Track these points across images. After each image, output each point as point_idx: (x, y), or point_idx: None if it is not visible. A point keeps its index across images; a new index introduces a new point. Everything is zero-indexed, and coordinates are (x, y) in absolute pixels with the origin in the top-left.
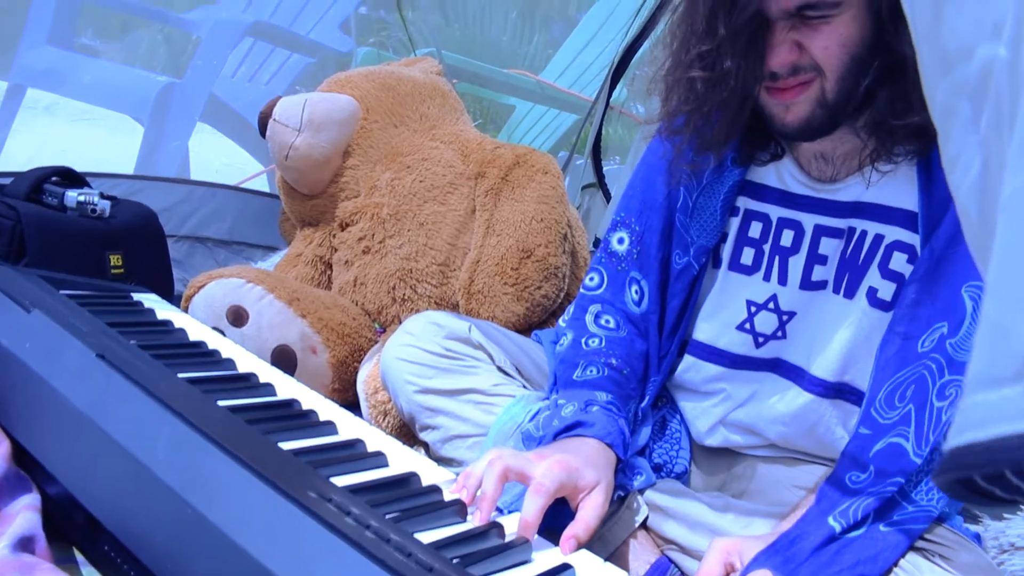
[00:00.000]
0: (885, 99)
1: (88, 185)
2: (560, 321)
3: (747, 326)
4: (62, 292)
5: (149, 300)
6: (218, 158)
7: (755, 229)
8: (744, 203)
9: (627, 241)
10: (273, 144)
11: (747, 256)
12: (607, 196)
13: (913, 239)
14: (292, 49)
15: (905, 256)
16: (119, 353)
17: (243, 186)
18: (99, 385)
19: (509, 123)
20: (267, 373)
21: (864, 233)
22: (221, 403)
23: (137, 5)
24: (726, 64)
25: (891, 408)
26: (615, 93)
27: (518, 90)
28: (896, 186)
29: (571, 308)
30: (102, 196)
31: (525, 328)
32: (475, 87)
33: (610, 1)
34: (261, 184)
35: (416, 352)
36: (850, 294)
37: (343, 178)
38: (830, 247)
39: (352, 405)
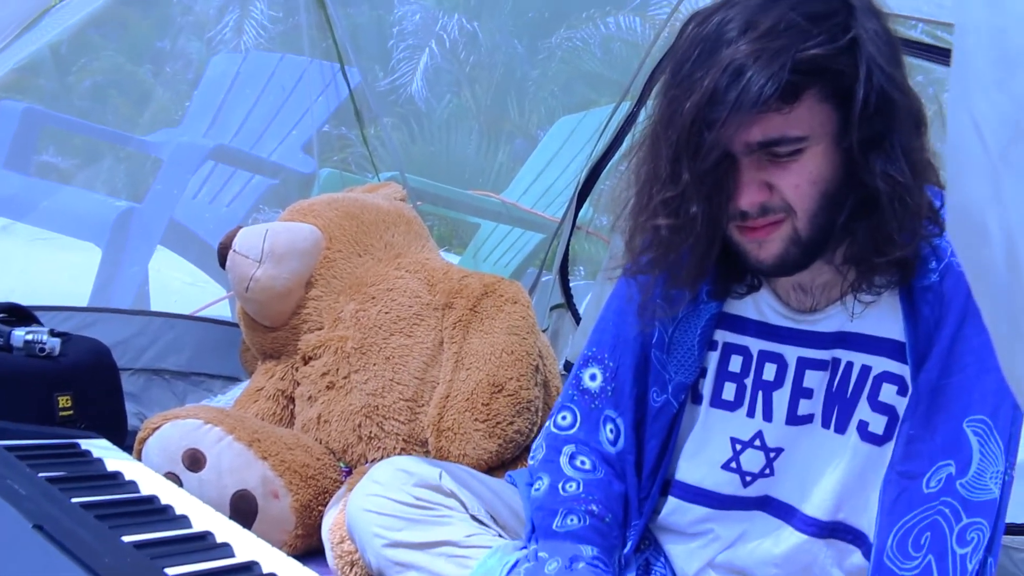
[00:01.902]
0: (865, 234)
1: (37, 321)
2: (529, 460)
3: (733, 465)
4: (1, 444)
5: (98, 448)
6: (179, 278)
7: (735, 363)
8: (723, 336)
9: (600, 377)
10: (233, 276)
11: (729, 391)
12: (576, 317)
13: (902, 370)
14: (254, 171)
15: (895, 388)
16: (59, 521)
17: (203, 314)
18: (36, 562)
19: (475, 241)
20: (225, 530)
21: (850, 364)
22: (170, 572)
23: (98, 129)
24: (692, 210)
25: (907, 558)
26: (581, 212)
27: (482, 211)
28: (879, 315)
29: (541, 448)
30: (52, 333)
31: (498, 465)
32: (440, 208)
33: (570, 120)
34: (222, 310)
35: (384, 503)
36: (840, 429)
37: (306, 310)
38: (815, 380)
39: (317, 552)
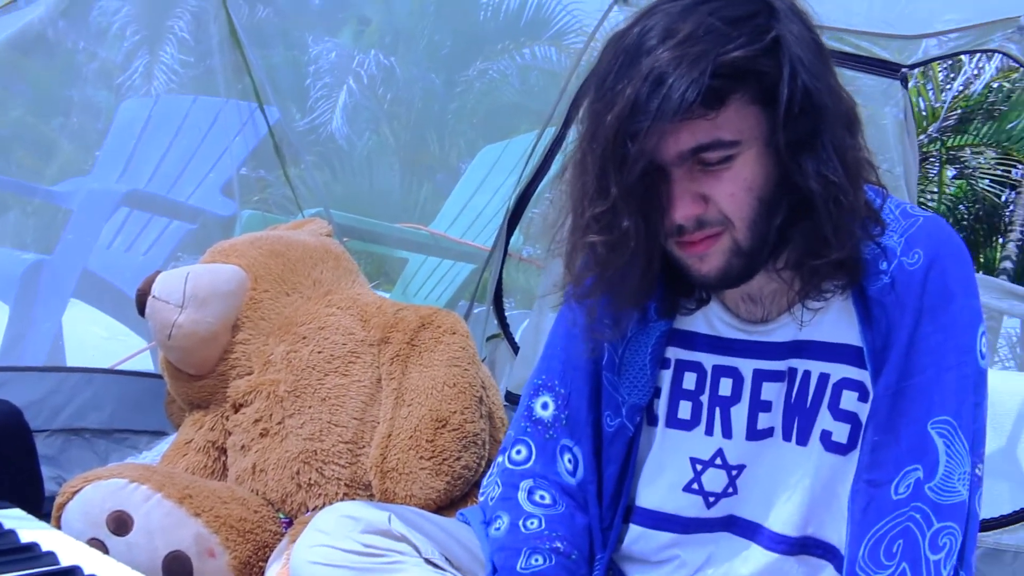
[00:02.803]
0: (802, 238)
1: None
2: (479, 496)
3: (695, 486)
4: None
5: (11, 518)
6: (96, 332)
7: (690, 380)
8: (675, 354)
9: (552, 406)
10: (154, 323)
11: (684, 410)
12: (513, 346)
13: (861, 375)
14: (171, 216)
15: (855, 394)
16: None
17: (123, 367)
18: None
19: (403, 276)
20: None
21: (807, 374)
22: None
23: (1, 180)
24: (624, 224)
25: (880, 567)
26: (512, 239)
27: (411, 243)
28: (833, 321)
29: (496, 486)
30: None
31: (448, 504)
32: (367, 243)
33: (494, 149)
34: (144, 362)
35: (330, 553)
36: (802, 440)
37: (233, 354)
38: (772, 392)
39: None
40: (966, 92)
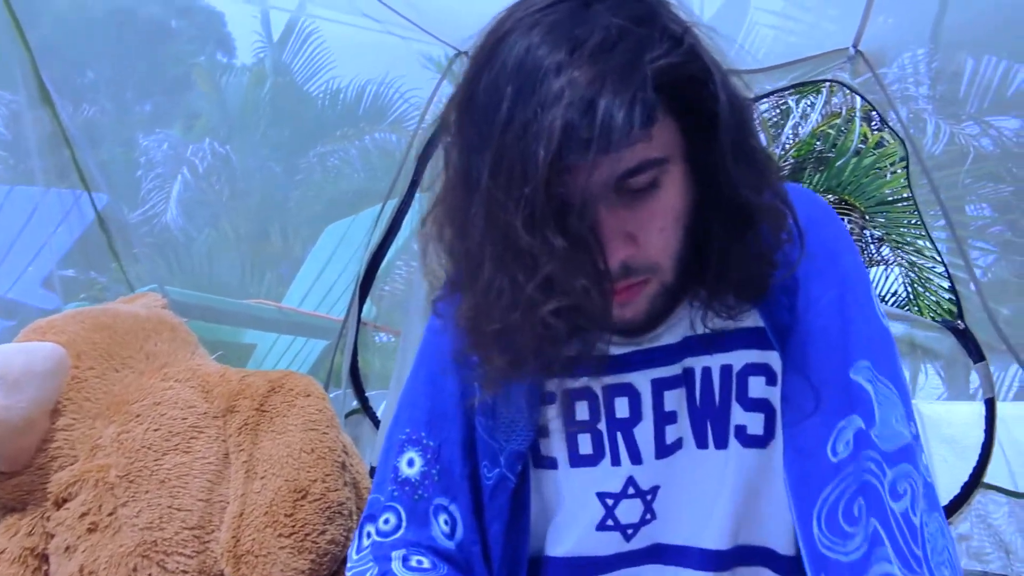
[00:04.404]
0: (723, 258)
1: None
2: (347, 572)
3: (609, 523)
4: None
5: None
6: None
7: (582, 410)
8: (558, 385)
9: (419, 461)
10: None
11: (585, 445)
12: (375, 420)
13: (765, 357)
14: None
15: (763, 379)
16: None
17: None
18: None
19: (252, 362)
20: None
21: (707, 370)
22: None
23: None
24: (579, 283)
25: (845, 537)
26: (365, 309)
27: (258, 320)
28: None
29: (368, 560)
30: None
31: None
32: (208, 324)
33: (340, 225)
34: None
35: None
36: (719, 443)
37: (54, 443)
38: (675, 400)
39: None
40: (797, 142)
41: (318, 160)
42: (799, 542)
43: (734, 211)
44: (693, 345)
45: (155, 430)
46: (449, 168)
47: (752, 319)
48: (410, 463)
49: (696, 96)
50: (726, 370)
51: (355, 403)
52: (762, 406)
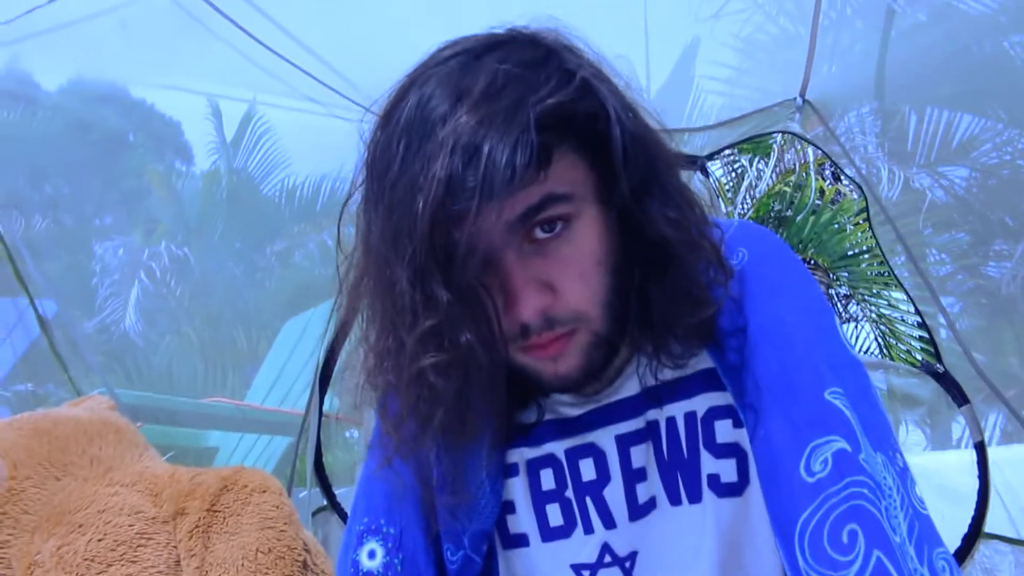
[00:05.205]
0: (663, 295)
1: None
2: None
3: None
4: None
5: None
6: None
7: (548, 479)
8: (520, 456)
9: (381, 552)
10: None
11: (555, 516)
12: (343, 516)
13: (726, 398)
14: None
15: (729, 421)
16: None
17: None
18: None
19: (215, 467)
20: None
21: (672, 420)
22: None
23: None
24: (463, 337)
25: (833, 567)
26: (327, 401)
27: (216, 420)
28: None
29: None
30: None
31: None
32: (167, 428)
33: (299, 320)
34: None
35: None
36: (693, 497)
37: None
38: (642, 456)
39: None
40: (755, 203)
41: (277, 258)
42: (783, 560)
43: (653, 249)
44: (654, 395)
45: (99, 540)
46: (357, 233)
47: (704, 360)
48: (371, 555)
49: (596, 133)
50: (690, 417)
51: (324, 500)
52: (732, 451)
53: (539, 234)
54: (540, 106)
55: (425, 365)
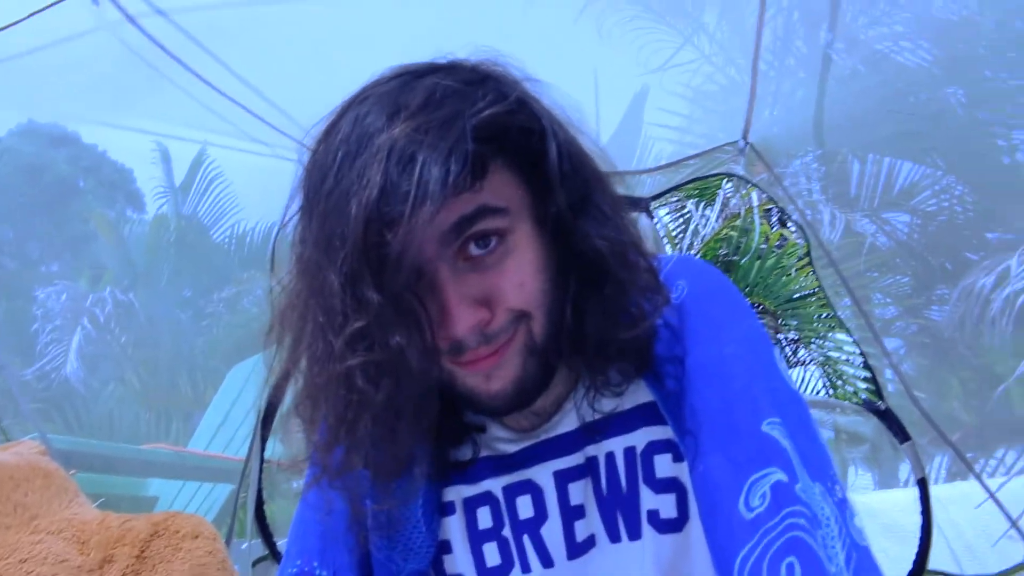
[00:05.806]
0: (597, 313)
1: None
2: None
3: None
4: None
5: None
6: None
7: (484, 518)
8: (456, 493)
9: None
10: None
11: (492, 555)
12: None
13: (666, 432)
14: None
15: (669, 455)
16: None
17: None
18: None
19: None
20: None
21: (611, 455)
22: None
23: None
24: (393, 340)
25: None
26: (270, 447)
27: (155, 466)
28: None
29: None
30: None
31: None
32: (104, 477)
33: (245, 366)
34: None
35: None
36: (632, 534)
37: None
38: (580, 492)
39: None
40: (702, 247)
41: (224, 304)
42: None
43: (589, 267)
44: (592, 429)
45: None
46: (292, 252)
47: (644, 394)
48: None
49: (531, 150)
50: (629, 452)
51: (265, 550)
52: (672, 486)
53: (474, 250)
54: (476, 118)
55: (353, 365)
